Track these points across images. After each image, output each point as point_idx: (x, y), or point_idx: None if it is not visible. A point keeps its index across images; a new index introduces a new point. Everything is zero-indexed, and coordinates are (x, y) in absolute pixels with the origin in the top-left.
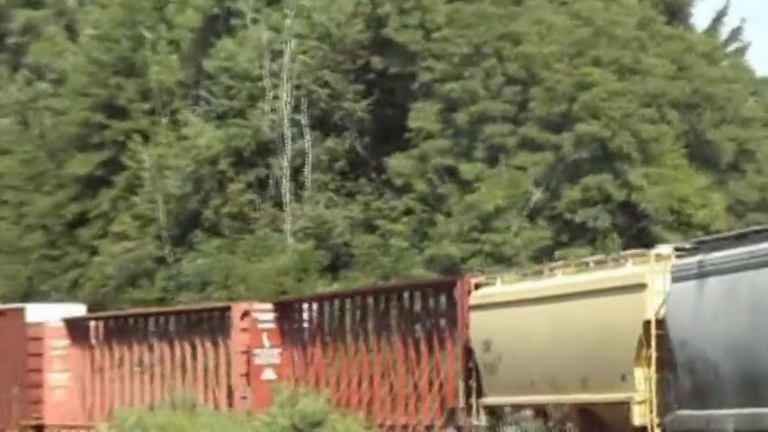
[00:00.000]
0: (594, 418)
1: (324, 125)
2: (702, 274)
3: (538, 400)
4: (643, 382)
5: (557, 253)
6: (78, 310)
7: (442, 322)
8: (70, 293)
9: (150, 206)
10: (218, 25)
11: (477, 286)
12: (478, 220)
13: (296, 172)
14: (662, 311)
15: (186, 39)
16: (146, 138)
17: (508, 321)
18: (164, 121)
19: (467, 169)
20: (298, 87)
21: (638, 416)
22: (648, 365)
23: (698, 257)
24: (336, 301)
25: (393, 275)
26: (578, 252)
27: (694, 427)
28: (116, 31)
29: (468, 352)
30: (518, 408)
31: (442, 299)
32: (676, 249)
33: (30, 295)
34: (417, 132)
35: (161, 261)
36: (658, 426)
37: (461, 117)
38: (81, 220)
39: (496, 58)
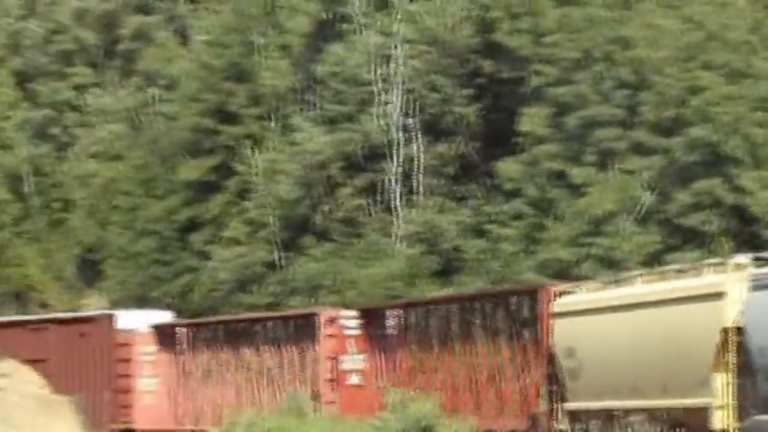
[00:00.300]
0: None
1: (434, 130)
2: None
3: (620, 405)
4: (722, 387)
5: (667, 257)
6: (165, 316)
7: (525, 329)
8: (181, 299)
9: (261, 211)
10: (328, 30)
11: (560, 294)
12: (588, 224)
13: (406, 177)
14: (740, 319)
15: (296, 44)
16: (256, 143)
17: (591, 328)
18: (274, 126)
19: (577, 173)
20: (408, 92)
21: (718, 420)
22: (727, 372)
23: None
24: (420, 309)
25: (503, 280)
26: (689, 257)
27: None
28: (227, 36)
29: (551, 358)
30: (627, 412)
31: (525, 307)
32: (755, 259)
33: (142, 300)
34: (527, 137)
35: (271, 266)
36: (737, 430)
37: (571, 121)
38: (192, 226)
39: (606, 63)
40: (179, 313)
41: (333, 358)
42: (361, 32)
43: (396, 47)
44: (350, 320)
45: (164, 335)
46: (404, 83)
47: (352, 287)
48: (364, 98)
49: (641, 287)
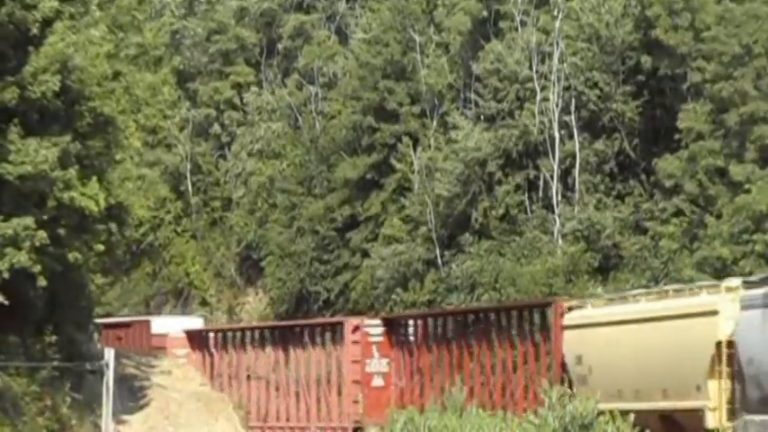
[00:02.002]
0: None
1: (593, 127)
2: (767, 304)
3: (624, 406)
4: (715, 392)
5: None
6: (196, 322)
7: (538, 339)
8: (341, 296)
9: (420, 209)
10: (487, 28)
11: (570, 309)
12: (750, 221)
13: (565, 174)
14: (732, 334)
15: (455, 42)
16: (415, 141)
17: (598, 340)
18: (433, 123)
19: (737, 170)
20: (567, 89)
21: (711, 420)
22: (720, 379)
23: (764, 290)
24: (440, 319)
25: (663, 277)
26: None
27: (759, 429)
28: (386, 34)
29: (563, 365)
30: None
31: (537, 319)
32: (744, 282)
33: (301, 298)
34: (687, 133)
35: (430, 263)
36: (729, 429)
37: (732, 117)
38: (351, 224)
39: (767, 58)
40: (336, 312)
41: (358, 362)
42: (519, 30)
43: (555, 44)
44: (374, 328)
45: (195, 339)
46: (563, 80)
47: (511, 284)
48: (523, 95)
49: (644, 304)
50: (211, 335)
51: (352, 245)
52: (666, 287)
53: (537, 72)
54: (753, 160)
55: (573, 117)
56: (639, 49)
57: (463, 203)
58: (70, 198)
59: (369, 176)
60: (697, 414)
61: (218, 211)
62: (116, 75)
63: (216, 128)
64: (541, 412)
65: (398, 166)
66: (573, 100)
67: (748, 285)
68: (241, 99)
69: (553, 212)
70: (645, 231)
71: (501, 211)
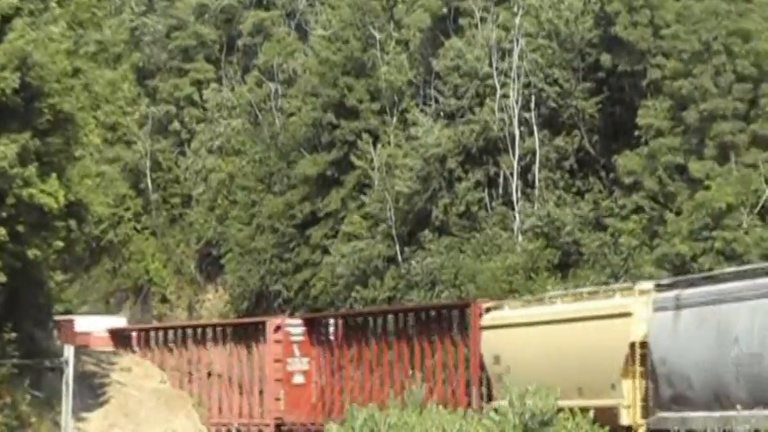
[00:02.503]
0: None
1: (553, 123)
2: (678, 306)
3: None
4: (629, 390)
5: None
6: (120, 321)
7: (458, 339)
8: (300, 293)
9: (380, 205)
10: (447, 24)
11: (488, 310)
12: (709, 218)
13: (525, 170)
14: (645, 335)
15: (415, 38)
16: (375, 137)
17: (515, 340)
18: (393, 120)
19: (697, 167)
20: (526, 86)
21: (625, 418)
22: (634, 378)
23: (674, 293)
24: (360, 319)
25: (623, 274)
26: None
27: (671, 426)
28: (345, 31)
29: (481, 365)
30: None
31: (457, 320)
32: (657, 285)
33: (261, 296)
34: (646, 130)
35: (391, 260)
36: (642, 426)
37: (691, 114)
38: (311, 221)
39: (726, 55)
40: (296, 309)
41: (279, 361)
42: (479, 26)
43: (515, 40)
44: (295, 327)
45: (118, 337)
46: (523, 76)
47: (471, 281)
48: (483, 92)
49: (560, 306)
50: (134, 334)
51: (312, 242)
52: (581, 289)
53: (497, 69)
54: (712, 157)
55: (533, 114)
56: (599, 45)
57: (423, 200)
58: (29, 195)
59: (329, 173)
60: (612, 411)
61: (178, 207)
62: (76, 71)
63: (176, 125)
64: (501, 409)
65: (358, 162)
66: (533, 97)
67: (660, 288)
68: (201, 96)
69: (513, 209)
70: (605, 228)
71: (461, 208)
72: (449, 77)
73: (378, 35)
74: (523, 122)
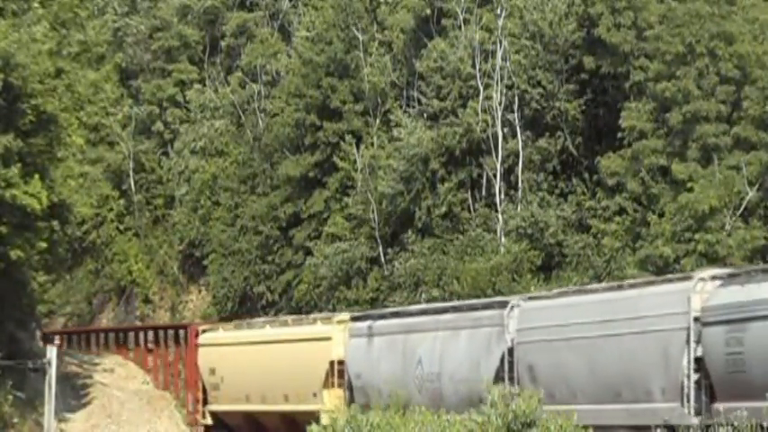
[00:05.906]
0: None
1: (536, 125)
2: (371, 334)
3: (251, 408)
4: (329, 398)
5: None
6: None
7: (180, 355)
8: (284, 295)
9: (363, 207)
10: (430, 26)
11: (204, 331)
12: (692, 219)
13: (508, 172)
14: (343, 355)
15: (398, 40)
16: (358, 139)
17: (228, 356)
18: (376, 121)
19: (680, 169)
20: (510, 87)
21: (325, 419)
22: (332, 388)
23: (368, 323)
24: (83, 335)
25: (606, 275)
26: None
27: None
28: (329, 32)
29: (199, 375)
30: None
31: (179, 338)
32: (352, 317)
33: (245, 297)
34: (630, 132)
35: (374, 261)
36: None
37: (674, 117)
38: (294, 222)
39: (710, 58)
40: (279, 311)
41: None
42: (462, 28)
43: (498, 42)
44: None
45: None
46: (506, 78)
47: (454, 280)
48: (466, 93)
49: (268, 329)
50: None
51: (295, 243)
52: (286, 317)
53: (480, 70)
54: (695, 159)
55: (516, 115)
56: (582, 47)
57: (406, 201)
58: (12, 196)
59: (312, 174)
60: (314, 415)
61: (161, 208)
62: (58, 72)
63: (159, 125)
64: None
65: (341, 164)
66: (516, 98)
67: (355, 319)
68: (184, 97)
69: (496, 210)
70: (588, 229)
71: (444, 209)
72: (432, 79)
73: (361, 36)
74: (506, 124)
